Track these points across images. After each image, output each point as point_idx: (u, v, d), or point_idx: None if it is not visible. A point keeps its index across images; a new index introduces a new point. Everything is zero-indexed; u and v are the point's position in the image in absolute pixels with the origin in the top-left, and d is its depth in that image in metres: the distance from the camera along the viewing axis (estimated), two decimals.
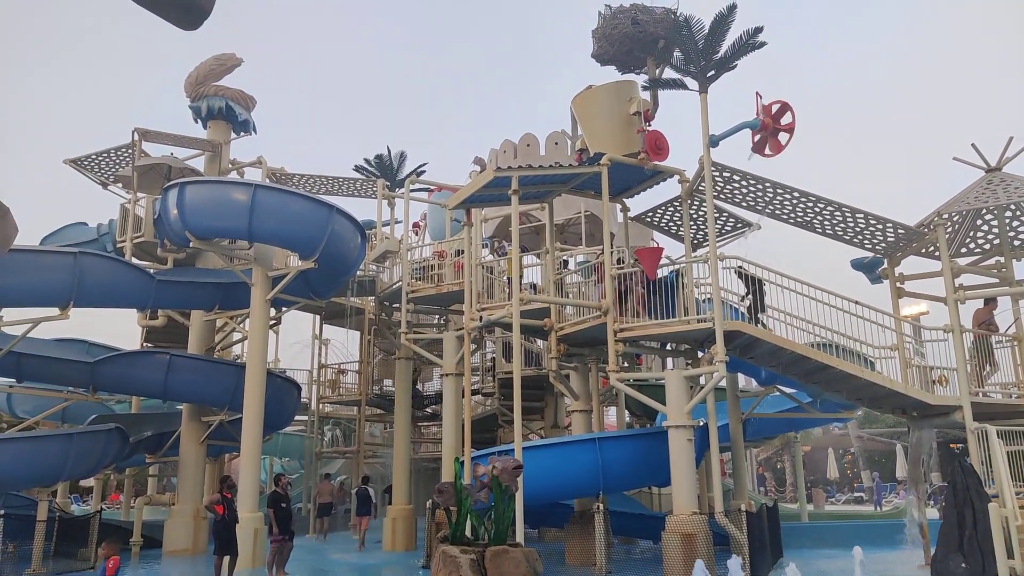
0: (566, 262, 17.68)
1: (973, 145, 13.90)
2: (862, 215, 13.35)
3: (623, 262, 14.14)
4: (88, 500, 30.98)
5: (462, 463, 12.72)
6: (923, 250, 14.54)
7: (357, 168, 23.04)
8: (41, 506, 15.34)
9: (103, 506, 23.23)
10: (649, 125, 14.00)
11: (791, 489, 34.33)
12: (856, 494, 43.88)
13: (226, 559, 12.14)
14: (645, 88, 14.66)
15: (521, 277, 14.75)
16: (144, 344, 20.53)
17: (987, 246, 14.84)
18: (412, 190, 20.18)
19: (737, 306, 13.58)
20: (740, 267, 13.38)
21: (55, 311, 15.53)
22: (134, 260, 18.52)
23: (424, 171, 22.99)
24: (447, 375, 17.46)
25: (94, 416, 19.03)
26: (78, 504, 30.64)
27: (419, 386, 24.72)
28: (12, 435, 16.90)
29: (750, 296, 13.32)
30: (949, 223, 13.93)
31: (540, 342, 19.70)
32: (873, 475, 38.24)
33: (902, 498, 32.00)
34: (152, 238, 18.58)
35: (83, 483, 30.08)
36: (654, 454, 13.22)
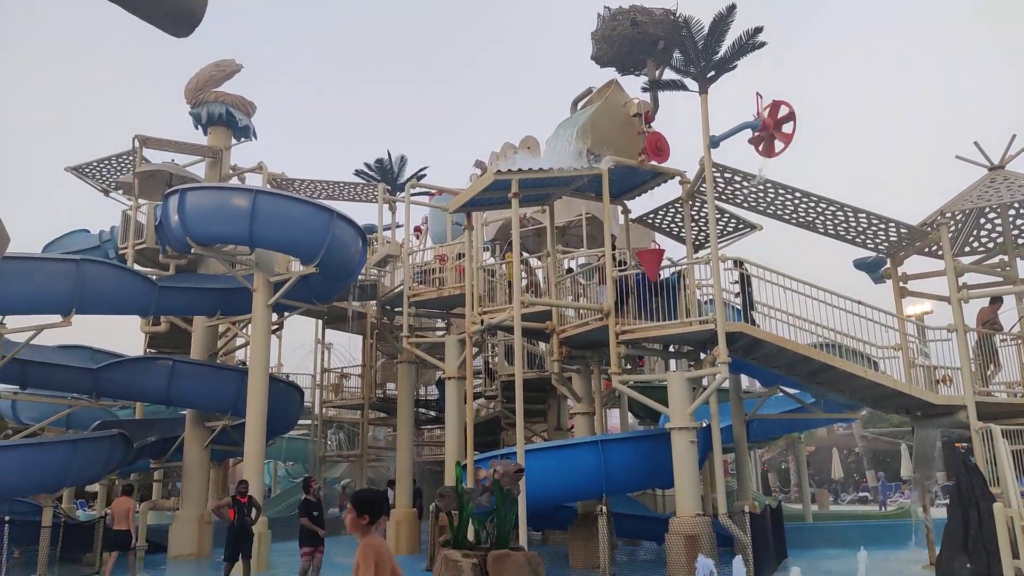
0: (570, 268, 17.63)
1: (976, 143, 13.86)
2: (864, 215, 13.32)
3: (625, 264, 14.12)
4: (93, 505, 31.00)
5: (464, 467, 12.72)
6: (926, 249, 14.50)
7: (358, 172, 23.05)
8: (46, 512, 15.34)
9: (107, 511, 23.22)
10: (649, 127, 13.98)
11: (795, 489, 34.23)
12: (861, 494, 43.75)
13: (239, 564, 12.08)
14: (645, 89, 14.66)
15: (523, 281, 14.74)
16: (147, 350, 20.55)
17: (991, 245, 14.80)
18: (413, 194, 20.17)
19: (738, 307, 13.56)
20: (739, 261, 13.34)
21: (58, 318, 15.56)
22: (136, 267, 18.55)
23: (425, 175, 23.01)
24: (449, 379, 17.45)
25: (98, 422, 19.06)
26: (84, 509, 30.64)
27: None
28: (17, 442, 16.93)
29: (740, 293, 13.27)
30: (952, 222, 13.88)
31: (542, 345, 19.67)
32: (878, 475, 38.12)
33: (907, 498, 31.91)
34: (154, 244, 18.60)
35: (88, 488, 30.09)
36: (657, 456, 13.19)
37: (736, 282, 13.34)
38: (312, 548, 12.19)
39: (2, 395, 18.33)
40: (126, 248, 18.81)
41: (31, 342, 16.19)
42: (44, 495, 15.50)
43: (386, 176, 22.56)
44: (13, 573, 14.67)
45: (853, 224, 13.77)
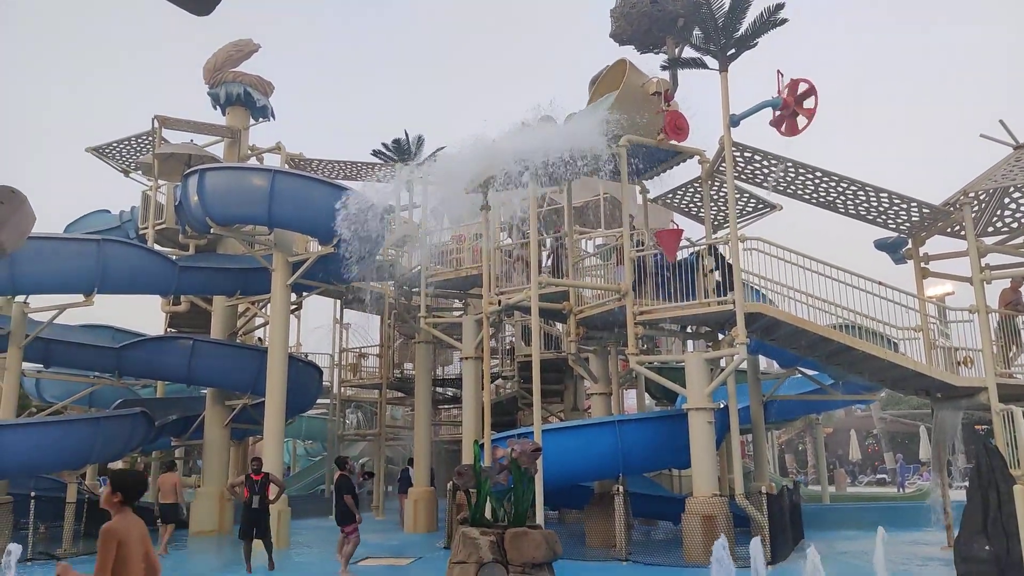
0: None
1: (1001, 122, 13.62)
2: (886, 195, 13.15)
3: (643, 244, 14.05)
4: None
5: (482, 446, 12.79)
6: (948, 230, 14.31)
7: (375, 152, 23.02)
8: (70, 488, 15.64)
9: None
10: (669, 105, 13.85)
11: (813, 471, 34.18)
12: (879, 476, 43.60)
13: (259, 544, 12.05)
14: (664, 68, 14.49)
15: (540, 261, 14.71)
16: (168, 330, 20.77)
17: (1015, 225, 14.55)
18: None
19: (758, 288, 13.47)
20: (713, 247, 13.27)
21: (80, 297, 15.75)
22: (156, 247, 18.71)
23: None
24: (467, 359, 17.51)
25: (120, 400, 19.34)
26: (107, 486, 31.21)
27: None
28: (41, 419, 17.22)
29: (718, 273, 13.12)
30: (975, 202, 13.67)
31: (559, 325, 19.68)
32: (897, 457, 37.95)
33: (926, 479, 31.78)
34: (174, 225, 18.74)
35: (111, 466, 30.62)
36: (674, 436, 13.20)
37: (715, 269, 13.14)
38: (355, 525, 12.22)
39: (26, 373, 18.61)
40: (146, 228, 18.97)
41: (54, 321, 16.42)
42: (68, 472, 15.79)
43: (403, 156, 22.52)
44: (39, 548, 14.95)
45: (874, 204, 13.60)
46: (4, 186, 2.73)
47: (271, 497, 12.68)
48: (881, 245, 15.48)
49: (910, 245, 14.77)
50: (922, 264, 14.62)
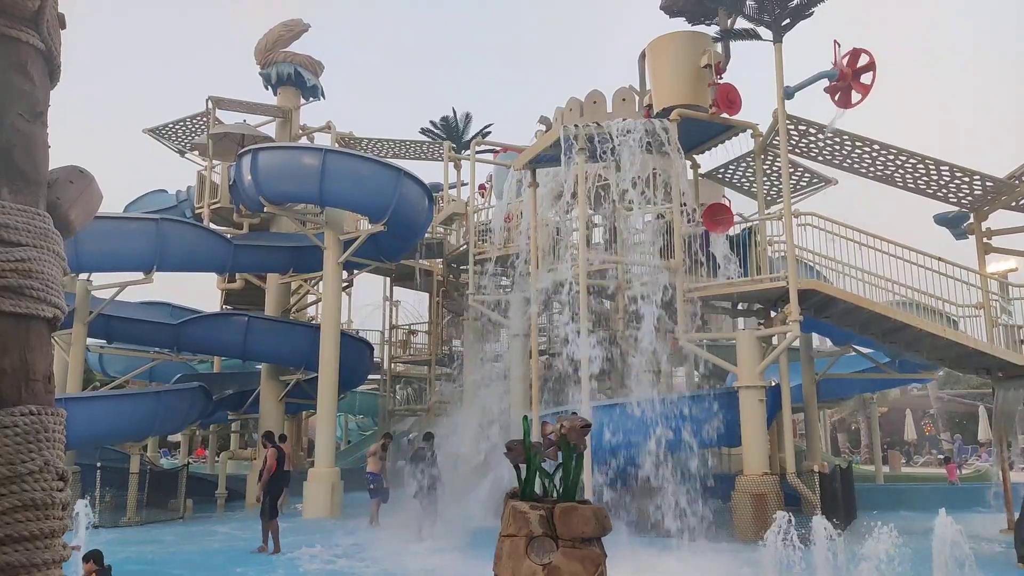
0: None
1: None
2: (947, 167, 12.73)
3: (693, 220, 13.87)
4: (176, 454, 32.60)
5: (530, 420, 12.87)
6: (1013, 203, 13.81)
7: (423, 131, 23.16)
8: (133, 459, 16.23)
9: (190, 460, 24.38)
10: (720, 78, 13.57)
11: (866, 451, 33.58)
12: (937, 456, 42.61)
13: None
14: (716, 39, 14.20)
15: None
16: (223, 307, 21.28)
17: None
18: (478, 151, 20.15)
19: (811, 264, 13.21)
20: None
21: (140, 275, 16.23)
22: (212, 226, 19.13)
23: (489, 132, 22.94)
24: (515, 336, 17.58)
25: (179, 375, 19.92)
26: (167, 458, 32.24)
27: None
28: (105, 393, 17.86)
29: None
30: None
31: (607, 302, 19.58)
32: (955, 437, 37.03)
33: (984, 460, 30.98)
34: (228, 204, 19.13)
35: (171, 438, 31.64)
36: (725, 414, 13.08)
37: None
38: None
39: (90, 348, 19.29)
40: (202, 207, 19.42)
41: (115, 299, 16.95)
42: (131, 443, 16.38)
43: (451, 134, 22.60)
44: (105, 515, 15.56)
45: (935, 177, 13.18)
46: (73, 166, 2.82)
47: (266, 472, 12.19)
48: (941, 220, 15.02)
49: (972, 219, 14.30)
50: (984, 239, 14.16)
